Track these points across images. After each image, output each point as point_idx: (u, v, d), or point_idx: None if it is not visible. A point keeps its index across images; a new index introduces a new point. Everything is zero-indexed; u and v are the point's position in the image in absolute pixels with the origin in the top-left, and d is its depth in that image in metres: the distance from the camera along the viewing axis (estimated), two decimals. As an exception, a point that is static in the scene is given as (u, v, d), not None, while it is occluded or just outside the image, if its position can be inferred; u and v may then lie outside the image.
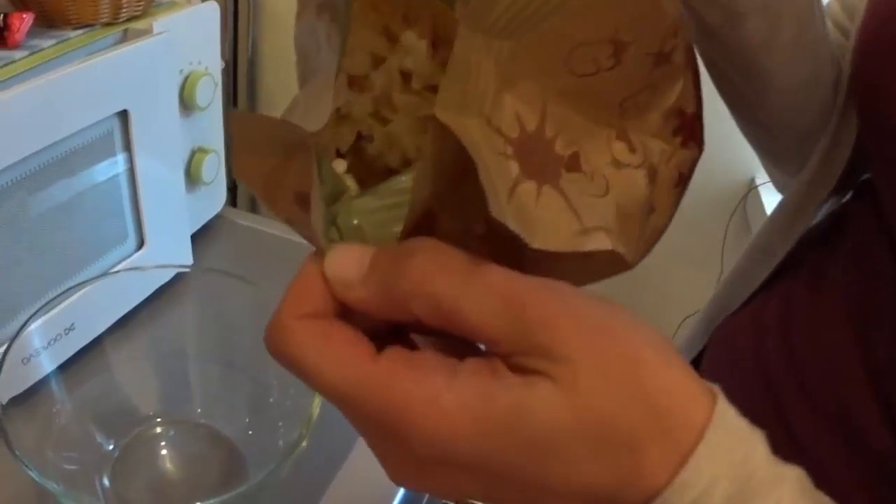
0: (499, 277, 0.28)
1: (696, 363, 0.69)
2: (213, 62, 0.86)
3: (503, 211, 0.28)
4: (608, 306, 0.30)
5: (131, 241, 0.80)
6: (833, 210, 0.62)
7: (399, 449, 0.29)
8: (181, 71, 0.81)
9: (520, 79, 0.31)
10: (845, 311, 0.51)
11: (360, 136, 0.37)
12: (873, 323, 0.48)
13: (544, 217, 0.30)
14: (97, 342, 0.71)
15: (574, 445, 0.27)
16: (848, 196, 0.62)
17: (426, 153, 0.27)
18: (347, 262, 0.30)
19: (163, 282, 0.77)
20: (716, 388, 0.30)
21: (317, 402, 0.57)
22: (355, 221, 0.34)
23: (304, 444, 0.55)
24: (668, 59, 0.33)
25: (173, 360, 0.71)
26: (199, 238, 0.93)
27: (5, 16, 0.65)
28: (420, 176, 0.28)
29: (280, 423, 0.63)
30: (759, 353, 0.56)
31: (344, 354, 0.29)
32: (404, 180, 0.34)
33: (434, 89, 0.34)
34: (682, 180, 0.36)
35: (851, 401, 0.48)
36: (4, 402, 0.56)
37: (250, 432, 0.67)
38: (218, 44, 0.86)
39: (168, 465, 0.68)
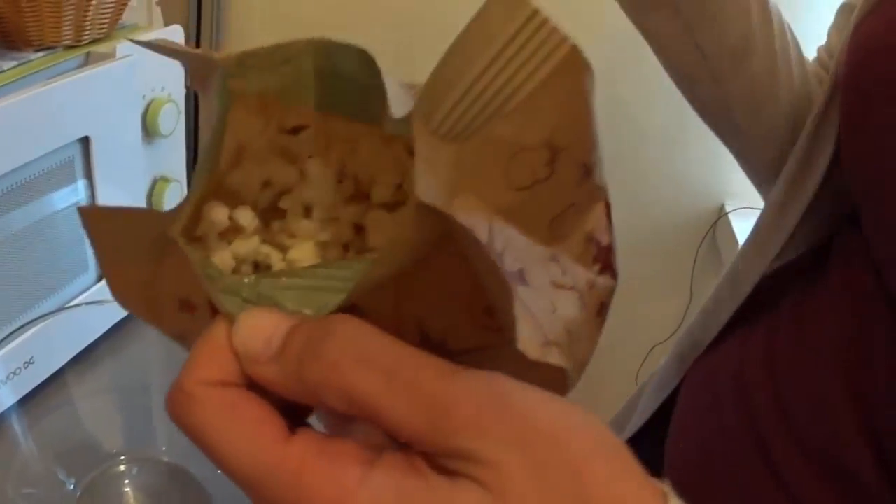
0: (425, 374, 0.25)
1: (671, 402, 0.68)
2: (176, 88, 0.84)
3: (512, 297, 0.26)
4: (557, 406, 0.27)
5: (91, 271, 0.77)
6: (815, 245, 0.61)
7: None
8: (144, 97, 0.79)
9: (465, 191, 0.29)
10: (832, 347, 0.50)
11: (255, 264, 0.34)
12: (862, 360, 0.47)
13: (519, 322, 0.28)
14: (58, 375, 0.68)
15: None
16: (825, 229, 0.61)
17: (396, 238, 0.25)
18: (257, 334, 0.27)
19: (124, 314, 0.74)
20: (666, 488, 0.27)
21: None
22: (266, 293, 0.30)
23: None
24: (591, 174, 0.32)
25: (137, 395, 0.68)
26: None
27: (-36, 36, 0.63)
28: (378, 262, 0.26)
29: None
30: (742, 391, 0.55)
31: (251, 433, 0.26)
32: (331, 272, 0.31)
33: (332, 221, 0.32)
34: (603, 309, 0.35)
35: (838, 436, 0.47)
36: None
37: (219, 471, 0.65)
38: (182, 70, 0.85)
39: (133, 499, 0.65)
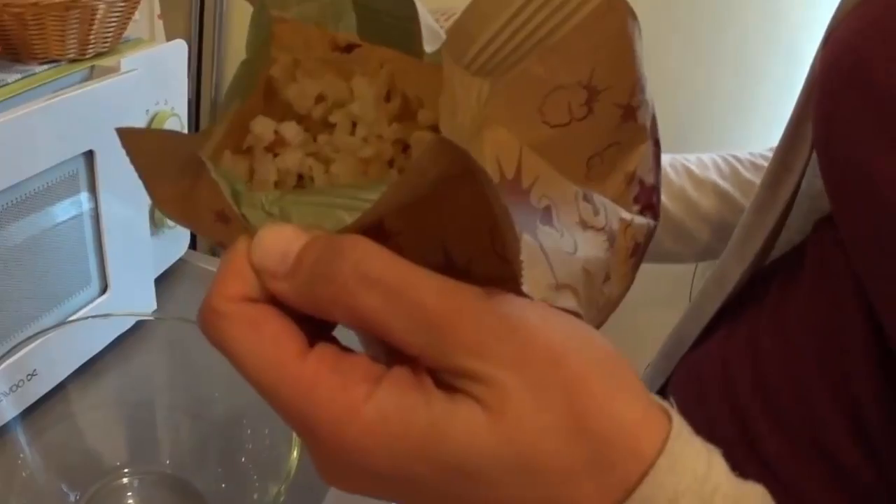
0: (431, 294, 0.27)
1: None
2: (179, 102, 0.84)
3: (518, 245, 0.27)
4: (560, 325, 0.28)
5: (95, 284, 0.77)
6: (796, 244, 0.63)
7: (321, 452, 0.28)
8: (147, 111, 0.80)
9: (496, 123, 0.30)
10: (809, 336, 0.51)
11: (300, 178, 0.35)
12: (837, 347, 0.49)
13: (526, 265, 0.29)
14: (60, 388, 0.68)
15: (496, 472, 0.26)
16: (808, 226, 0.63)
17: (412, 167, 0.26)
18: (273, 250, 0.28)
19: (128, 327, 0.74)
20: (667, 405, 0.29)
21: (294, 457, 0.54)
22: (287, 208, 0.31)
23: (281, 500, 0.53)
24: (633, 116, 0.33)
25: (140, 408, 0.68)
26: (161, 282, 0.90)
27: (-31, 50, 0.63)
28: (396, 186, 0.27)
29: (255, 477, 0.61)
30: (727, 383, 0.56)
31: (270, 349, 0.27)
32: (355, 191, 0.32)
33: (377, 139, 0.34)
34: (638, 250, 0.35)
35: (818, 420, 0.48)
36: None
37: (223, 485, 0.65)
38: (185, 84, 0.85)
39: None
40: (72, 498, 0.62)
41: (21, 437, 0.61)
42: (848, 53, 0.47)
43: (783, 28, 1.28)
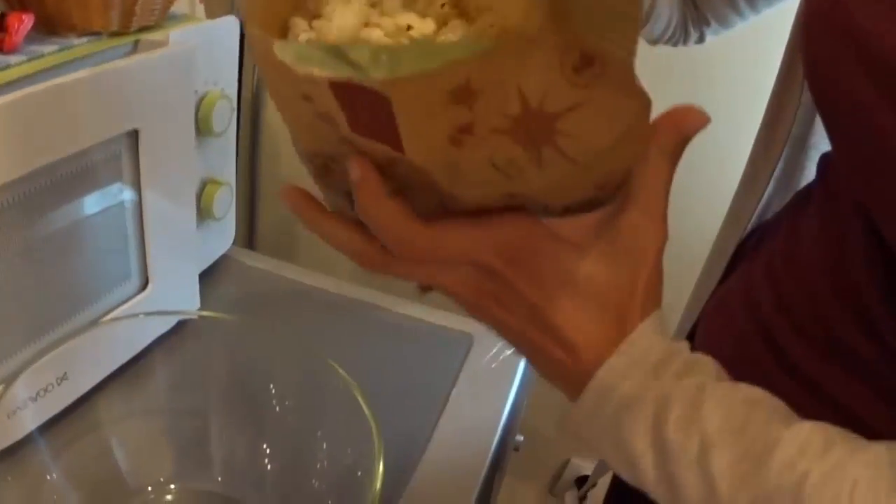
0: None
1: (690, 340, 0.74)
2: (230, 84, 0.78)
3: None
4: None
5: (134, 279, 0.71)
6: (808, 185, 0.67)
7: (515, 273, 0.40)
8: (196, 91, 0.73)
9: None
10: (820, 257, 0.56)
11: None
12: (841, 258, 0.53)
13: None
14: (93, 394, 0.62)
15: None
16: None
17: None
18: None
19: (171, 326, 0.67)
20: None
21: (378, 488, 0.47)
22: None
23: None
24: None
25: (187, 417, 0.61)
26: (205, 279, 0.84)
27: (2, 15, 0.57)
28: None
29: (329, 502, 0.54)
30: (752, 306, 0.61)
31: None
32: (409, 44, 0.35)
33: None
34: None
35: (834, 325, 0.53)
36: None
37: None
38: (236, 64, 0.78)
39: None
40: (103, 518, 0.55)
41: (46, 449, 0.55)
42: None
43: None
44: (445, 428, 0.75)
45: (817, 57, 0.50)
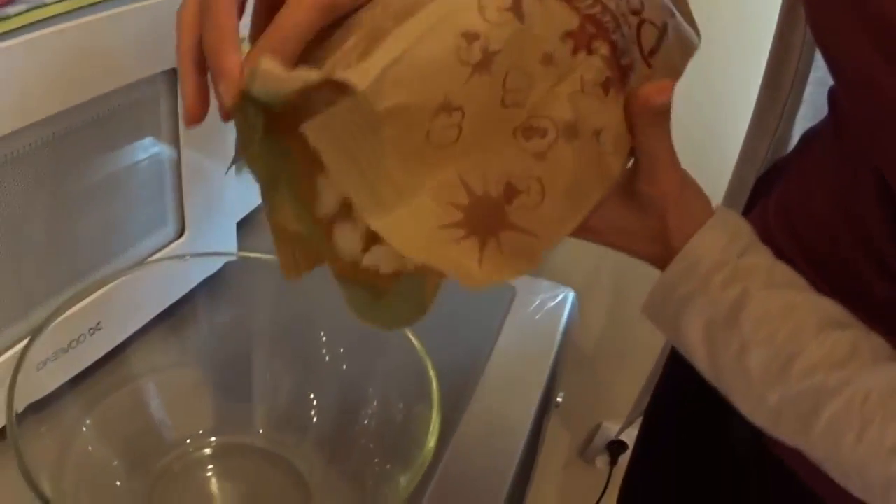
0: None
1: None
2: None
3: None
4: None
5: (171, 226, 0.69)
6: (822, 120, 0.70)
7: None
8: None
9: None
10: (831, 187, 0.59)
11: None
12: (852, 191, 0.56)
13: None
14: (127, 345, 0.60)
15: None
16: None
17: None
18: None
19: (207, 274, 0.65)
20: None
21: (431, 445, 0.45)
22: None
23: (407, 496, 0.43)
24: None
25: (227, 366, 0.59)
26: (242, 228, 0.81)
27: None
28: None
29: (375, 461, 0.52)
30: (769, 243, 0.61)
31: None
32: None
33: None
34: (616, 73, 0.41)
35: (849, 262, 0.56)
36: (20, 410, 0.45)
37: (330, 466, 0.56)
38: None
39: (215, 493, 0.56)
40: (140, 472, 0.53)
41: (80, 400, 0.53)
42: None
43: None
44: (490, 381, 0.74)
45: (820, 23, 0.51)
